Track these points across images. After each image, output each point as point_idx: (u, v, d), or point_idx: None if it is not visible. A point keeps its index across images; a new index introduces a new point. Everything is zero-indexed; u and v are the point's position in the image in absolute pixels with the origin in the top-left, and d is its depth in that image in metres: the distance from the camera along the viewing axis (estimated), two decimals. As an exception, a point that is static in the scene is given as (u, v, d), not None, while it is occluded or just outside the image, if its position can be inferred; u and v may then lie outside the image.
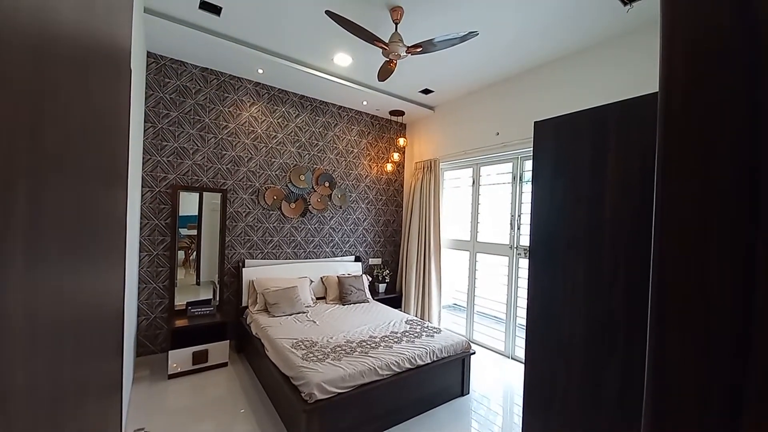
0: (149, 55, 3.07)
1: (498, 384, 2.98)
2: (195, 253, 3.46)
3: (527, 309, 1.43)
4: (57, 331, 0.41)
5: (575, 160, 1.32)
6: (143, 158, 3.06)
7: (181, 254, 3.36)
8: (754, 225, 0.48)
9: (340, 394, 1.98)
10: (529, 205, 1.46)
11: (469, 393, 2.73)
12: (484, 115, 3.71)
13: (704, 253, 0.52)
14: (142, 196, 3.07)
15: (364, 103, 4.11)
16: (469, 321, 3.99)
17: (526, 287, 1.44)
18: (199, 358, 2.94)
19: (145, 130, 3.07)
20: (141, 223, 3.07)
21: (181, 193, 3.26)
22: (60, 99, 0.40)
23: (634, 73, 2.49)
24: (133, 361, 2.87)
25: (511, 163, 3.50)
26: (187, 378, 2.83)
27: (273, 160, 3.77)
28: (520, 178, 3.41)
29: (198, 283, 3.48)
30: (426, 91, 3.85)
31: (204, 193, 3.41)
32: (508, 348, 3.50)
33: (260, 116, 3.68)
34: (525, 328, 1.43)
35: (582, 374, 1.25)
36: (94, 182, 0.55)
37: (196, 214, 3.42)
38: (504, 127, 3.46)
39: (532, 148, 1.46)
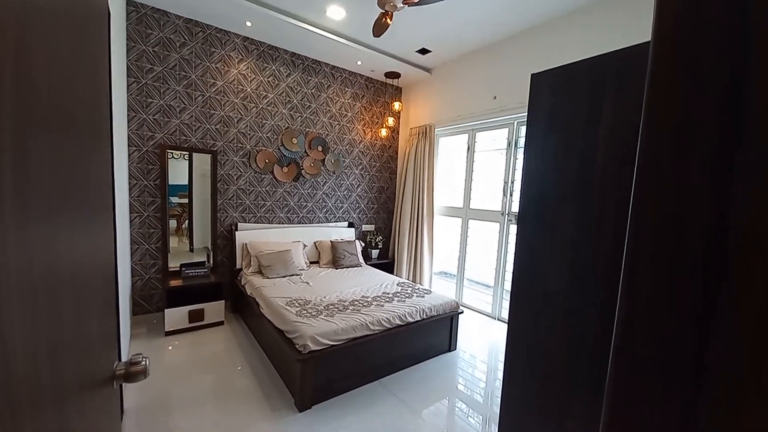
0: (129, 2, 2.86)
1: (484, 342, 3.14)
2: (187, 221, 3.44)
3: (513, 264, 1.47)
4: (52, 286, 0.42)
5: (570, 112, 1.30)
6: (128, 115, 2.94)
7: (173, 222, 3.35)
8: (732, 165, 0.48)
9: (333, 346, 2.06)
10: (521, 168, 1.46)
11: (456, 349, 2.87)
12: (481, 77, 3.60)
13: (681, 188, 0.53)
14: (129, 155, 2.98)
15: (359, 63, 3.95)
16: (459, 286, 4.12)
17: (514, 247, 1.47)
18: (195, 316, 3.01)
19: (128, 86, 2.93)
20: (130, 183, 3.01)
21: (170, 160, 3.18)
22: (34, 47, 0.38)
23: (636, 33, 2.41)
24: (130, 319, 2.93)
25: (507, 129, 3.46)
26: (184, 335, 2.91)
27: (264, 121, 3.65)
28: (515, 144, 3.39)
29: (192, 250, 3.49)
30: (423, 51, 3.70)
31: (194, 158, 3.32)
32: (495, 310, 3.65)
33: (249, 74, 3.52)
34: (510, 284, 1.47)
35: (564, 326, 1.31)
36: (77, 136, 0.53)
37: (186, 183, 3.37)
38: (501, 90, 3.38)
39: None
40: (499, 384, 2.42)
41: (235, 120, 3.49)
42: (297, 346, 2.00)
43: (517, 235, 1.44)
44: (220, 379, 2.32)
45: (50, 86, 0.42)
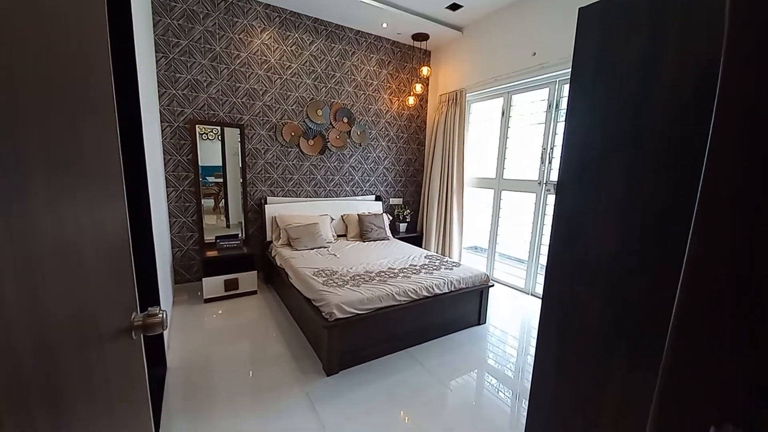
0: (151, -26, 2.85)
1: (516, 316, 3.02)
2: (223, 199, 3.56)
3: (551, 229, 1.33)
4: (53, 259, 0.43)
5: (623, 53, 1.10)
6: (159, 91, 3.01)
7: (211, 202, 3.50)
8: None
9: (358, 314, 2.06)
10: (563, 135, 1.28)
11: (485, 323, 2.78)
12: (519, 33, 3.26)
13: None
14: (162, 131, 3.08)
15: (384, 25, 3.72)
16: (490, 261, 3.97)
17: (553, 209, 1.33)
18: (231, 285, 3.15)
19: (157, 61, 2.97)
20: (165, 159, 3.13)
21: (205, 142, 3.27)
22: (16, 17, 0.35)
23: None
24: (172, 287, 3.13)
25: (547, 89, 3.15)
26: (221, 303, 3.07)
27: (288, 93, 3.60)
28: (556, 105, 3.08)
29: (228, 226, 3.63)
30: (454, 7, 3.40)
31: (225, 137, 3.38)
32: (529, 285, 3.49)
33: (272, 44, 3.44)
34: (547, 251, 1.34)
35: (605, 296, 1.18)
36: (69, 107, 0.50)
37: (220, 163, 3.46)
38: (541, 46, 3.04)
39: (571, 69, 1.25)
40: (530, 360, 2.32)
41: (260, 93, 3.46)
42: (323, 314, 2.02)
43: (556, 196, 1.30)
44: (254, 343, 2.43)
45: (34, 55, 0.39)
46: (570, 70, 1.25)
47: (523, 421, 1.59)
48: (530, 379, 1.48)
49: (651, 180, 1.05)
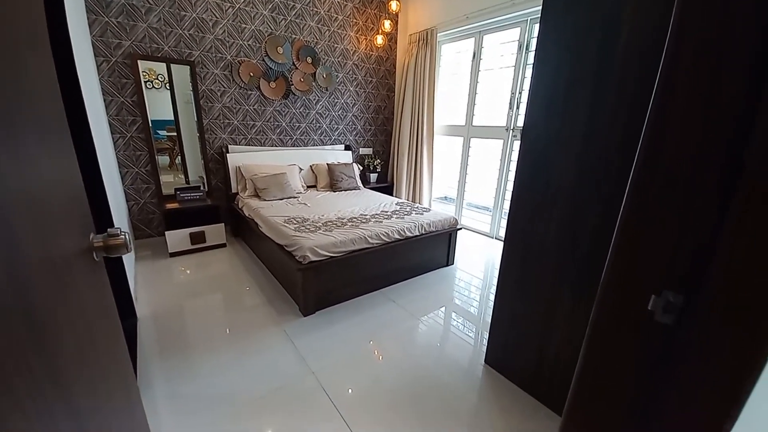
0: None
1: (481, 258, 3.23)
2: (179, 155, 3.28)
3: (518, 158, 1.37)
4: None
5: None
6: (88, 18, 2.57)
7: (166, 159, 3.25)
8: None
9: (332, 257, 2.09)
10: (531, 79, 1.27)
11: (453, 264, 2.95)
12: (493, -35, 3.06)
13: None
14: (98, 66, 2.69)
15: (348, -51, 3.33)
16: (458, 210, 4.10)
17: (519, 146, 1.36)
18: (197, 238, 3.04)
19: (78, -21, 2.49)
20: (105, 100, 2.78)
21: (151, 91, 2.94)
22: None
23: None
24: (132, 242, 2.97)
25: (518, 29, 3.06)
26: (188, 257, 2.97)
27: (243, 25, 3.22)
28: (526, 47, 3.03)
29: (188, 183, 3.39)
30: (424, -70, 3.08)
31: (174, 83, 3.04)
32: (493, 230, 3.69)
33: (220, -36, 2.99)
34: (513, 184, 1.40)
35: (562, 219, 1.27)
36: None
37: (172, 116, 3.15)
38: (515, -20, 2.90)
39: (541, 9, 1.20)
40: (492, 296, 2.53)
41: (210, 24, 3.07)
42: (296, 257, 2.03)
43: (524, 122, 1.33)
44: (227, 292, 2.42)
45: None
46: (540, 9, 1.21)
47: (485, 343, 1.77)
48: (491, 316, 1.63)
49: (610, 116, 1.10)
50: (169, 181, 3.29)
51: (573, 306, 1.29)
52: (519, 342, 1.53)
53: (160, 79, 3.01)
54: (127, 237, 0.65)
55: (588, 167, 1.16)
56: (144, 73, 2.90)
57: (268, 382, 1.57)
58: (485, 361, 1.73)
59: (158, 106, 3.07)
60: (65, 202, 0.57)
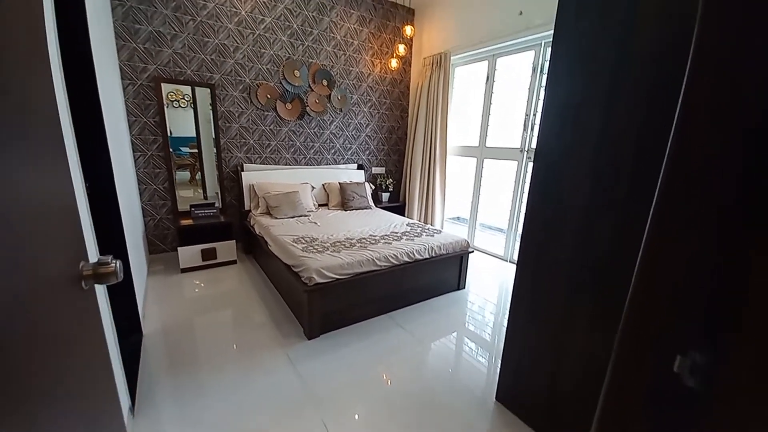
0: None
1: (494, 281, 3.11)
2: (199, 171, 3.39)
3: (531, 177, 1.33)
4: None
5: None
6: (117, 44, 2.73)
7: (186, 174, 3.37)
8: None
9: (338, 279, 2.05)
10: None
11: (465, 288, 2.85)
12: (506, -9, 3.11)
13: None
14: (124, 89, 2.83)
15: (365, -22, 3.46)
16: (471, 230, 4.01)
17: (533, 159, 1.32)
18: (208, 255, 3.07)
19: (113, 9, 2.67)
20: (129, 120, 2.90)
21: (176, 110, 3.09)
22: None
23: None
24: (147, 257, 3.02)
25: (532, 52, 3.06)
26: (200, 272, 2.99)
27: (262, 50, 3.36)
28: (540, 69, 3.01)
29: (205, 198, 3.48)
30: (438, -41, 3.18)
31: (197, 103, 3.18)
32: (508, 253, 3.57)
33: (243, -6, 3.15)
34: (526, 200, 1.36)
35: (576, 235, 1.20)
36: None
37: (194, 134, 3.29)
38: (528, 5, 2.92)
39: (556, 12, 1.20)
40: (506, 323, 2.41)
41: (232, 49, 3.21)
42: (303, 279, 2.00)
43: (537, 142, 1.30)
44: (234, 310, 2.40)
45: None
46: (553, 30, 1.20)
47: (496, 378, 1.66)
48: (506, 326, 1.54)
49: (624, 120, 1.05)
50: (188, 195, 3.37)
51: (586, 339, 1.20)
52: (530, 379, 1.43)
53: (186, 98, 3.14)
54: (117, 265, 0.64)
55: (600, 173, 1.11)
56: (171, 93, 3.04)
57: (267, 411, 1.51)
58: (496, 398, 1.62)
59: (182, 124, 3.20)
60: (51, 228, 0.55)
